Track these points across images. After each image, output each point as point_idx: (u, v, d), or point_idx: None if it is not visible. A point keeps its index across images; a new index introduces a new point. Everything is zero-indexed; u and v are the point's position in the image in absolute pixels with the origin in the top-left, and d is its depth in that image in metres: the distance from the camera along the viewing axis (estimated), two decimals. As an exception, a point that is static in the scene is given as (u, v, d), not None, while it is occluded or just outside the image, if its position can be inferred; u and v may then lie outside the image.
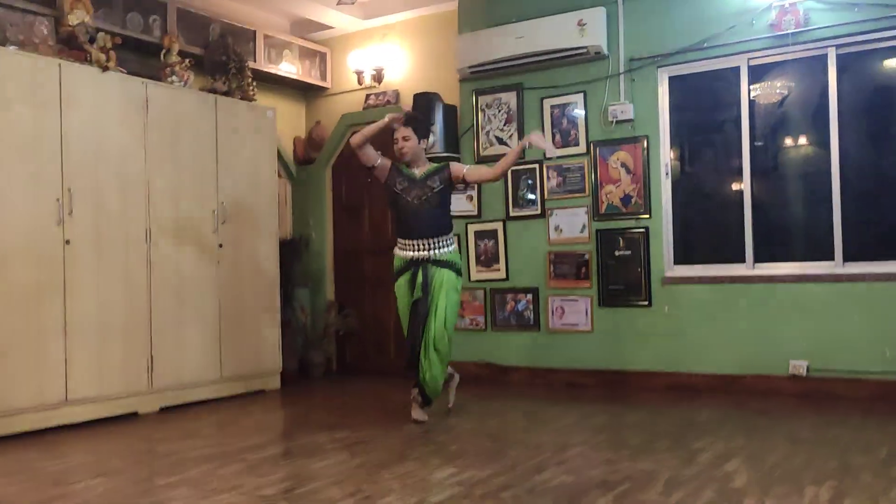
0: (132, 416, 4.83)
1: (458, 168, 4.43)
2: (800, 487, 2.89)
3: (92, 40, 4.81)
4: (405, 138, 4.40)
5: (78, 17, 4.79)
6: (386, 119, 4.37)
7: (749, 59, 5.16)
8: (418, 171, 4.43)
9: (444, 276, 4.31)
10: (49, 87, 4.48)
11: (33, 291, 4.36)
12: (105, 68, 4.79)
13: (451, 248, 4.40)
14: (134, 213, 4.91)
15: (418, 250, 4.33)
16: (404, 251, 4.38)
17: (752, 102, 5.20)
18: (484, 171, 4.50)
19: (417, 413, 4.40)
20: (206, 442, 4.05)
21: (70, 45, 4.75)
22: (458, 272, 4.41)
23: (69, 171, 4.56)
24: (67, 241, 4.52)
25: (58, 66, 4.53)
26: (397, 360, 6.51)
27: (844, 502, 2.70)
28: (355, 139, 4.40)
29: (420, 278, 4.29)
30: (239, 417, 4.83)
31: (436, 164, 4.49)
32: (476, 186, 5.98)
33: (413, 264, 4.34)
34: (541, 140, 4.41)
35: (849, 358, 4.78)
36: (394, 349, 6.58)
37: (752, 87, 5.18)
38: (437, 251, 4.33)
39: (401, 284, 4.41)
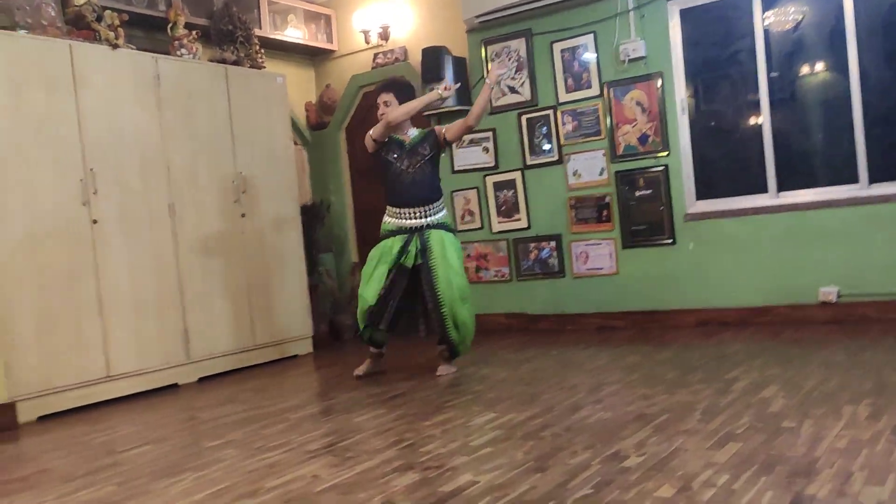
0: (172, 388, 4.94)
1: (439, 130, 4.43)
2: (837, 408, 2.91)
3: (99, 19, 4.80)
4: (386, 103, 4.42)
5: (82, -3, 4.78)
6: (439, 92, 4.31)
7: (761, -16, 5.05)
8: (406, 139, 4.42)
9: (443, 238, 4.33)
10: (61, 69, 4.49)
11: (66, 272, 4.43)
12: (115, 46, 4.79)
13: (444, 213, 4.45)
14: (155, 188, 4.95)
15: (413, 218, 4.35)
16: (397, 219, 4.38)
17: (766, 31, 5.10)
18: (458, 125, 4.40)
19: (443, 368, 4.46)
20: (246, 406, 4.13)
21: (78, 26, 4.74)
22: (455, 233, 4.47)
23: (89, 151, 4.59)
24: (95, 221, 4.58)
25: (68, 48, 4.53)
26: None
27: (882, 418, 2.72)
28: (396, 115, 4.30)
29: (417, 245, 4.32)
30: (276, 382, 4.92)
31: (421, 131, 4.48)
32: (490, 136, 5.97)
33: (406, 232, 4.35)
34: (498, 68, 4.36)
35: (879, 280, 4.75)
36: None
37: (764, 14, 5.08)
38: (431, 217, 4.37)
39: (385, 246, 4.37)
